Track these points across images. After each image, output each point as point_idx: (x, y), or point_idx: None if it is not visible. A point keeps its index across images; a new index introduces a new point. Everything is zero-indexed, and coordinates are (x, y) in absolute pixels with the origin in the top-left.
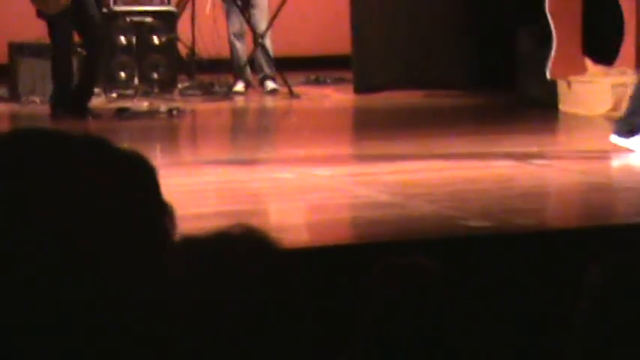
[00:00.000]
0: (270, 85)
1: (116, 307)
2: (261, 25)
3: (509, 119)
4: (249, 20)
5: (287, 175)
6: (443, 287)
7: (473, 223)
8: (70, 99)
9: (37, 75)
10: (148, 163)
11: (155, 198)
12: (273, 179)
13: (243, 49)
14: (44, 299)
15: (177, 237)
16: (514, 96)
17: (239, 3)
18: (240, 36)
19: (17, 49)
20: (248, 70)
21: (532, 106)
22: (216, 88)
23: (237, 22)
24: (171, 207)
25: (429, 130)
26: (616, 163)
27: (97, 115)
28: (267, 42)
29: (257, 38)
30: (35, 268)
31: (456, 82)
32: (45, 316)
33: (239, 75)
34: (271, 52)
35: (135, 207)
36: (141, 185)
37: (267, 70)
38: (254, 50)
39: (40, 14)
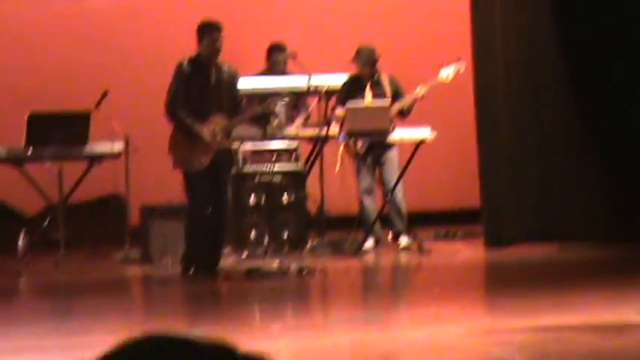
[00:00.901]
0: (403, 241)
1: None
2: (392, 181)
3: None
4: (379, 177)
5: (419, 334)
6: None
7: None
8: (201, 260)
9: (169, 237)
10: None
11: None
12: (406, 339)
13: (373, 205)
14: None
15: None
16: None
17: (369, 160)
18: (370, 192)
19: (149, 212)
20: (378, 226)
21: None
22: (346, 246)
23: (368, 179)
24: None
25: (564, 285)
26: None
27: (228, 276)
28: (399, 197)
29: (387, 194)
30: None
31: (590, 234)
32: None
33: (369, 232)
34: (403, 208)
35: None
36: None
37: (399, 225)
38: (384, 206)
39: (177, 165)
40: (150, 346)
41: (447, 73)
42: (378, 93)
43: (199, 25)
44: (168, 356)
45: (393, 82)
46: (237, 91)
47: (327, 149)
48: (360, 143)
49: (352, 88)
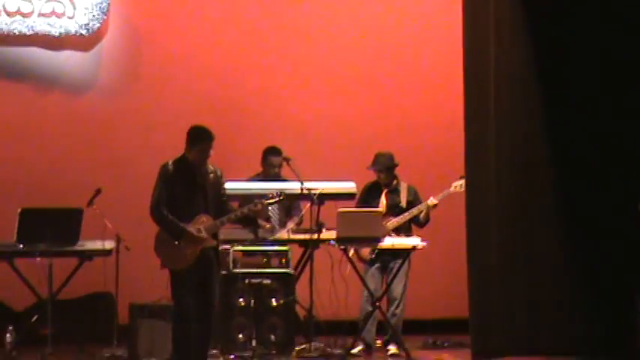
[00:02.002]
0: (392, 349)
1: None
2: (397, 289)
3: None
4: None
5: None
6: None
7: None
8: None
9: (156, 336)
10: None
11: None
12: None
13: (372, 311)
14: None
15: None
16: None
17: (377, 266)
18: (372, 299)
19: (138, 311)
20: (373, 333)
21: None
22: (334, 351)
23: (372, 285)
24: None
25: None
26: None
27: None
28: (400, 308)
29: (391, 302)
30: None
31: (577, 346)
32: None
33: (361, 337)
34: (400, 318)
35: None
36: None
37: (391, 333)
38: (380, 313)
39: (164, 265)
40: None
41: (460, 184)
42: (395, 201)
43: (191, 130)
44: None
45: (410, 192)
46: (224, 190)
47: (318, 253)
48: (368, 249)
49: (370, 194)
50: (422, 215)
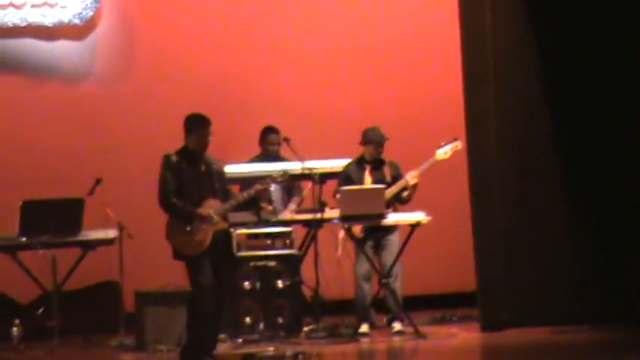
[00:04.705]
0: (397, 326)
1: None
2: (394, 261)
3: (637, 355)
4: (379, 260)
5: None
6: None
7: None
8: (202, 348)
9: (164, 323)
10: None
11: None
12: None
13: (369, 290)
14: None
15: None
16: None
17: (369, 244)
18: (368, 278)
19: (143, 298)
20: (372, 311)
21: None
22: (342, 330)
23: (366, 264)
24: None
25: None
26: None
27: None
28: (397, 283)
29: (384, 278)
30: None
31: (583, 317)
32: None
33: (363, 316)
34: (399, 293)
35: None
36: None
37: (393, 310)
38: (380, 291)
39: (177, 256)
40: None
41: (444, 151)
42: (378, 177)
43: (187, 118)
44: None
45: (393, 168)
46: (226, 180)
47: (322, 233)
48: (359, 227)
49: (354, 172)
50: (405, 194)
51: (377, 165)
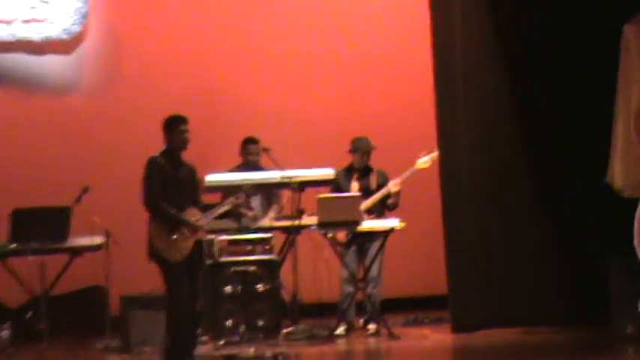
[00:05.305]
0: (372, 328)
1: None
2: (374, 270)
3: (605, 356)
4: (364, 266)
5: None
6: None
7: None
8: (182, 351)
9: (148, 326)
10: None
11: None
12: None
13: (352, 291)
14: None
15: None
16: (609, 331)
17: (353, 248)
18: (349, 281)
19: (129, 302)
20: (353, 312)
21: (627, 341)
22: (319, 332)
23: (350, 268)
24: None
25: None
26: None
27: None
28: (376, 290)
29: (366, 283)
30: None
31: (551, 318)
32: None
33: (342, 318)
34: (377, 297)
35: None
36: None
37: (370, 312)
38: (359, 294)
39: (154, 257)
40: None
41: (423, 160)
42: (364, 185)
43: (165, 120)
44: None
45: (380, 176)
46: (199, 185)
47: (300, 239)
48: (343, 233)
49: (342, 179)
50: (390, 201)
51: (364, 173)
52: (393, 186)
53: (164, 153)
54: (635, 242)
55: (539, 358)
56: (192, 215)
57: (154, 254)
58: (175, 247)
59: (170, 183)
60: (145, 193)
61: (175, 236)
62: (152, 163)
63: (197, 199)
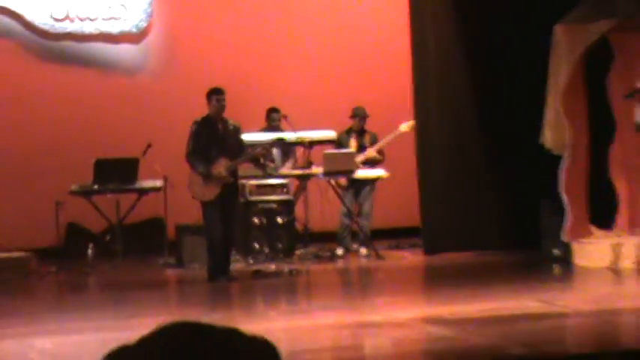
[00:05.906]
0: (363, 251)
1: None
2: (366, 207)
3: (537, 272)
4: (359, 204)
5: (378, 317)
6: None
7: (514, 351)
8: (219, 267)
9: (197, 248)
10: (273, 346)
11: None
12: (369, 320)
13: (349, 223)
14: None
15: None
16: (540, 254)
17: (351, 191)
18: (348, 215)
19: (182, 229)
20: (349, 239)
21: (554, 261)
22: (324, 254)
23: (348, 205)
24: None
25: (478, 281)
26: (619, 302)
27: (238, 277)
28: (367, 221)
29: (360, 217)
30: None
31: (497, 244)
32: None
33: (341, 243)
34: (368, 228)
35: None
36: None
37: (362, 239)
38: (354, 225)
39: (195, 197)
40: (176, 331)
41: (406, 125)
42: (360, 143)
43: (207, 91)
44: (189, 338)
45: (372, 136)
46: (242, 139)
47: (310, 184)
48: (344, 179)
49: (343, 138)
50: (378, 157)
51: (361, 134)
52: (379, 144)
53: (205, 116)
54: (560, 188)
55: (487, 273)
56: (222, 164)
57: (192, 196)
58: (206, 191)
59: (206, 140)
60: (186, 149)
61: (204, 182)
62: (192, 126)
63: (239, 144)
